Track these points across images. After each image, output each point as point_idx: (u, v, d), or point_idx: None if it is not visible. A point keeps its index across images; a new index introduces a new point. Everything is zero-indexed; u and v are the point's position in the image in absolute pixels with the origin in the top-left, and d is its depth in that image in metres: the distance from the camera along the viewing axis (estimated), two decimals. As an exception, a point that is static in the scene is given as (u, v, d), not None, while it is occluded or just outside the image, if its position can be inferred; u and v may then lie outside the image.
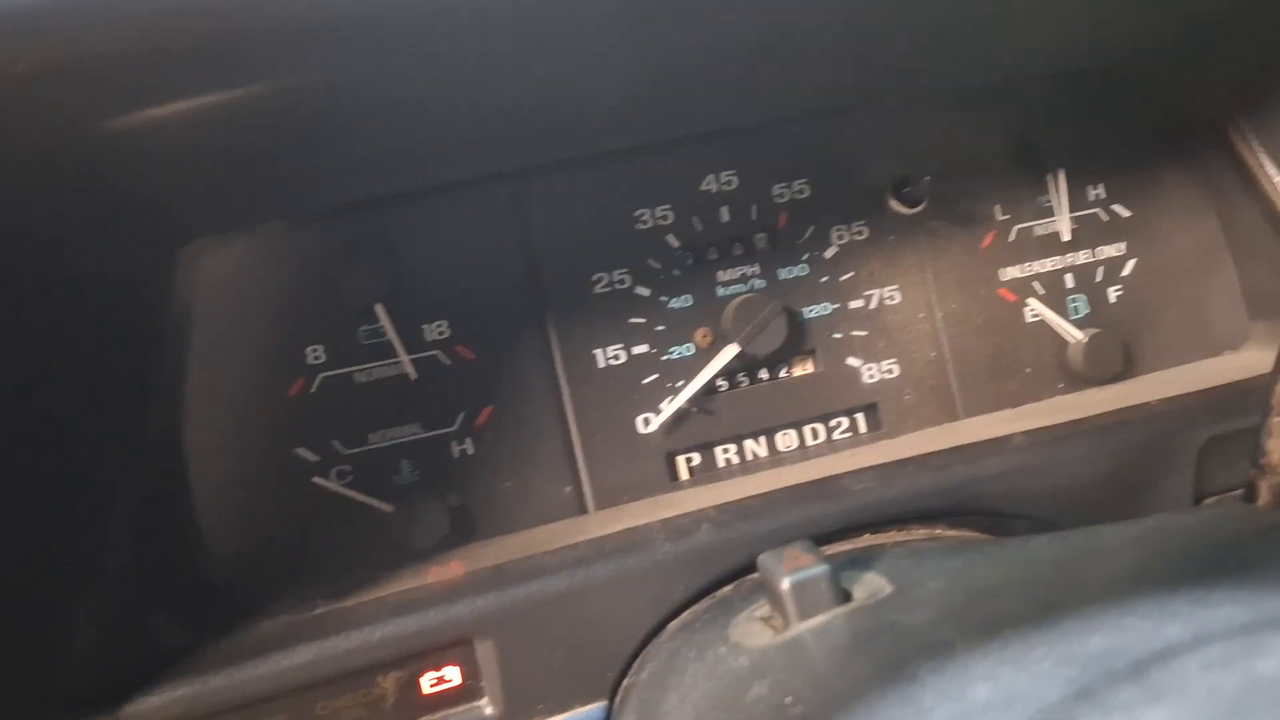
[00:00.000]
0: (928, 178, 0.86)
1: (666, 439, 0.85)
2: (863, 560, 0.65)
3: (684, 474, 0.86)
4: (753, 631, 0.60)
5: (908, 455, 0.78)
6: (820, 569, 0.58)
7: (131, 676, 0.63)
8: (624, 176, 0.85)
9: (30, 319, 0.65)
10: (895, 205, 0.87)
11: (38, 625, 0.62)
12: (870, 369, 0.89)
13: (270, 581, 0.74)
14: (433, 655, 0.67)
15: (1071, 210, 0.92)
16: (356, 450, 0.79)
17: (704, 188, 0.87)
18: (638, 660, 0.69)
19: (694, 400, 0.85)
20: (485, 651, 0.67)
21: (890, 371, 0.89)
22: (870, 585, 0.60)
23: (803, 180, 0.89)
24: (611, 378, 0.84)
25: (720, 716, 0.53)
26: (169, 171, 0.68)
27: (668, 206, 0.86)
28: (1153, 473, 0.77)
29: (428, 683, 0.67)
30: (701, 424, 0.86)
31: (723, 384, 0.87)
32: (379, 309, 0.79)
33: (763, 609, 0.63)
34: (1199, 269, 0.94)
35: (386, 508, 0.78)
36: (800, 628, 0.57)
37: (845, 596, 0.59)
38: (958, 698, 0.41)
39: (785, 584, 0.58)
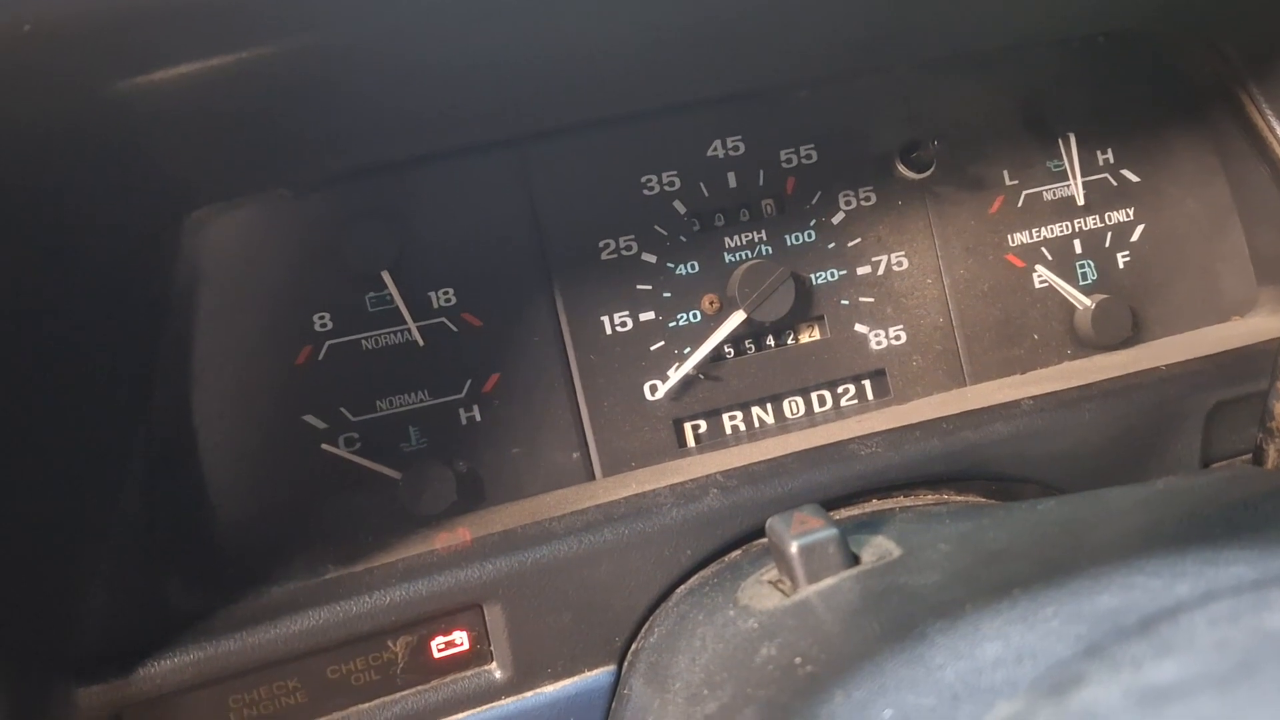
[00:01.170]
0: (936, 141, 0.85)
1: (673, 406, 0.85)
2: (871, 524, 0.65)
3: (691, 441, 0.86)
4: (761, 594, 0.61)
5: (915, 421, 0.78)
6: (829, 532, 0.58)
7: (144, 639, 0.64)
8: (630, 142, 0.85)
9: (38, 283, 0.65)
10: (903, 170, 0.87)
11: (51, 588, 0.63)
12: (878, 335, 0.88)
13: (280, 548, 0.74)
14: (442, 620, 0.67)
15: (1081, 175, 0.91)
16: (364, 417, 0.80)
17: (711, 153, 0.87)
18: (646, 625, 0.70)
19: (701, 367, 0.85)
20: (494, 616, 0.68)
21: (898, 338, 0.89)
22: (879, 548, 0.60)
23: (810, 146, 0.88)
24: (618, 344, 0.84)
25: (730, 677, 0.53)
26: (175, 136, 0.68)
27: (674, 172, 0.86)
28: (1160, 437, 0.77)
29: (437, 647, 0.68)
30: (708, 391, 0.86)
31: (729, 351, 0.87)
32: (386, 276, 0.79)
33: (771, 572, 0.63)
34: (1208, 234, 0.94)
35: (395, 474, 0.78)
36: (809, 590, 0.57)
37: (853, 560, 0.59)
38: (968, 655, 0.41)
39: (794, 547, 0.58)
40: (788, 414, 0.88)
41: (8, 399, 0.61)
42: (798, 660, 0.49)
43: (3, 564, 0.58)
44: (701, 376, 0.86)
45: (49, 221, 0.65)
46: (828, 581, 0.57)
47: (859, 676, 0.43)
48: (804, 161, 0.88)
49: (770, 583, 0.61)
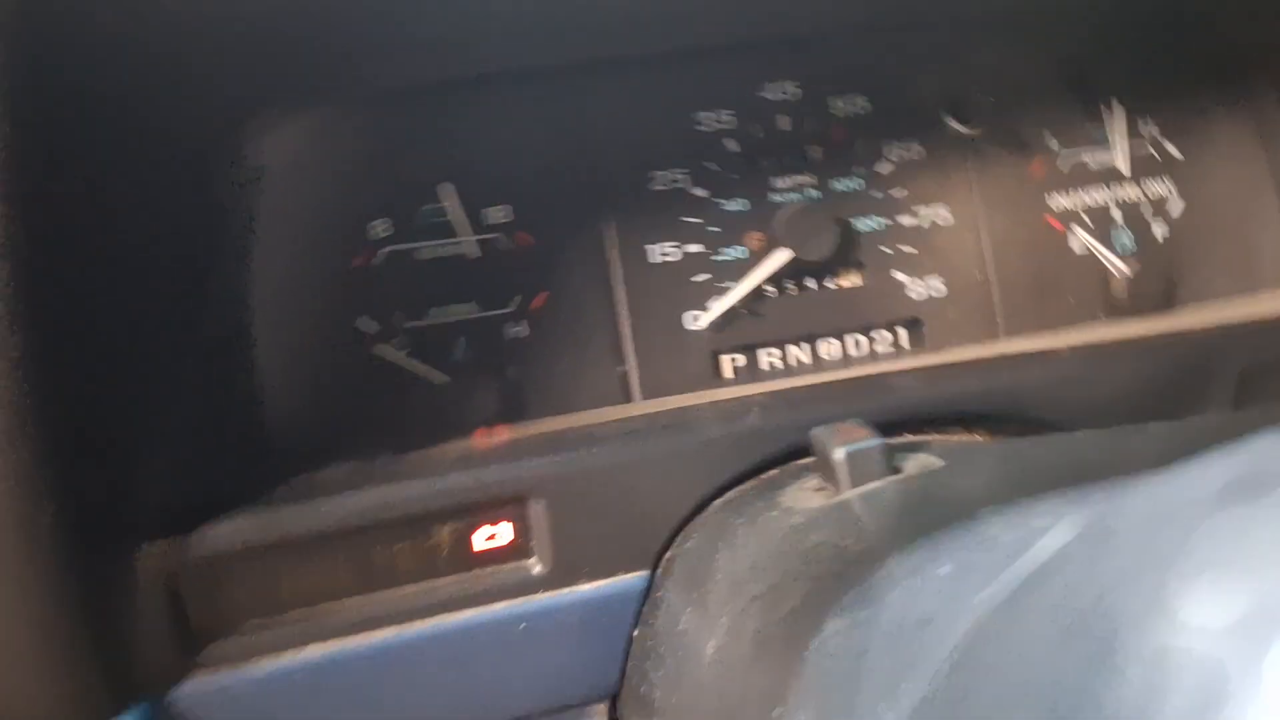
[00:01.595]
0: (986, 94, 0.87)
1: (713, 337, 0.87)
2: (912, 446, 0.67)
3: (728, 373, 0.88)
4: (803, 498, 0.63)
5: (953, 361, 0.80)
6: (875, 441, 0.60)
7: (199, 508, 0.66)
8: (687, 78, 0.87)
9: (111, 180, 0.67)
10: (952, 124, 0.89)
11: (116, 453, 0.64)
12: (916, 285, 0.90)
13: (331, 436, 0.76)
14: (488, 510, 0.69)
15: (1124, 144, 0.93)
16: (415, 324, 0.82)
17: (765, 95, 0.89)
18: (682, 533, 0.72)
19: (742, 302, 0.87)
20: (538, 512, 0.70)
21: (936, 289, 0.91)
22: (921, 462, 0.62)
23: (862, 95, 0.90)
24: (664, 273, 0.86)
25: (776, 563, 0.55)
26: (242, 41, 0.70)
27: (729, 111, 0.88)
28: (1193, 395, 0.79)
29: (481, 538, 0.70)
30: (748, 326, 0.88)
31: (770, 289, 0.89)
32: (445, 188, 0.81)
33: (812, 482, 0.65)
34: (1245, 210, 0.96)
35: (443, 379, 0.80)
36: (853, 492, 0.59)
37: (896, 472, 0.61)
38: (1022, 526, 0.43)
39: (839, 454, 0.60)
40: (823, 355, 0.90)
41: (88, 277, 0.63)
42: (848, 542, 0.51)
43: (75, 426, 0.60)
44: (743, 311, 0.88)
45: (119, 122, 0.67)
46: (872, 485, 0.59)
47: (914, 545, 0.45)
48: (856, 111, 0.90)
49: (812, 489, 0.63)
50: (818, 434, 0.62)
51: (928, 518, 0.49)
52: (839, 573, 0.47)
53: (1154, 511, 0.21)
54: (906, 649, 0.37)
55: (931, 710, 0.22)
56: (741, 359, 0.89)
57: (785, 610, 0.49)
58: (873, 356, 0.90)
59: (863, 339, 0.90)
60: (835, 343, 0.90)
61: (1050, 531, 0.23)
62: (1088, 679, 0.18)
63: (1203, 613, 0.17)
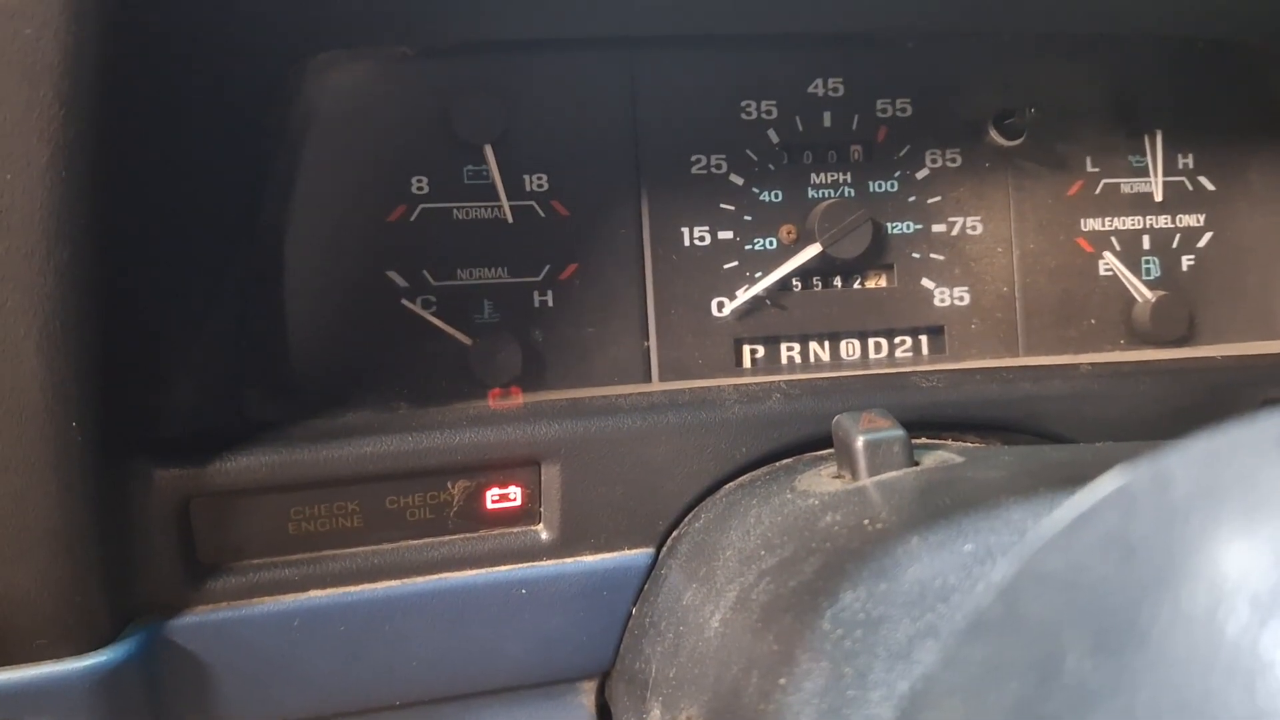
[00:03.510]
0: (1032, 109, 0.88)
1: (737, 325, 0.88)
2: (931, 445, 0.67)
3: (748, 362, 0.88)
4: (820, 482, 0.63)
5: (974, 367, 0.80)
6: (897, 432, 0.61)
7: (219, 439, 0.66)
8: (736, 65, 0.87)
9: (173, 111, 0.68)
10: (995, 136, 0.89)
11: (143, 377, 0.65)
12: (942, 293, 0.91)
13: (354, 383, 0.77)
14: (501, 471, 0.70)
15: (1160, 174, 0.94)
16: (444, 283, 0.82)
17: (811, 90, 0.89)
18: (691, 514, 0.72)
19: (769, 293, 0.87)
20: (550, 476, 0.70)
21: (961, 298, 0.91)
22: (941, 458, 0.62)
23: (906, 99, 0.90)
24: (694, 257, 0.87)
25: (791, 539, 0.55)
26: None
27: (773, 102, 0.88)
28: (1212, 421, 0.79)
29: (491, 498, 0.70)
30: (772, 318, 0.88)
31: (797, 284, 0.89)
32: (488, 150, 0.81)
33: (830, 469, 0.65)
34: (1273, 255, 0.96)
35: (466, 340, 0.80)
36: (871, 480, 0.59)
37: (916, 464, 0.61)
38: (1047, 514, 0.43)
39: (860, 441, 0.60)
40: (844, 355, 0.90)
41: (138, 203, 0.64)
42: (865, 522, 0.51)
43: (110, 346, 0.60)
44: (768, 302, 0.88)
45: (184, 57, 0.68)
46: (891, 474, 0.59)
47: (935, 526, 0.45)
48: (899, 114, 0.90)
49: (829, 476, 0.64)
50: (841, 420, 0.62)
51: (948, 502, 0.49)
52: (856, 549, 0.47)
53: (1212, 456, 0.21)
54: (926, 617, 0.37)
55: (969, 645, 0.22)
56: (762, 350, 0.89)
57: (798, 583, 0.49)
58: (892, 360, 0.90)
59: (884, 342, 0.91)
60: (856, 343, 0.90)
61: (1102, 478, 0.24)
62: (1140, 603, 0.18)
63: (1258, 543, 0.17)
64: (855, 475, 0.60)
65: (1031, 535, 0.23)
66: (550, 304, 0.84)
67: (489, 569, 0.70)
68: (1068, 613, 0.20)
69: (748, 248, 0.87)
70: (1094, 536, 0.22)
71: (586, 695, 0.77)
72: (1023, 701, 0.19)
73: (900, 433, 0.60)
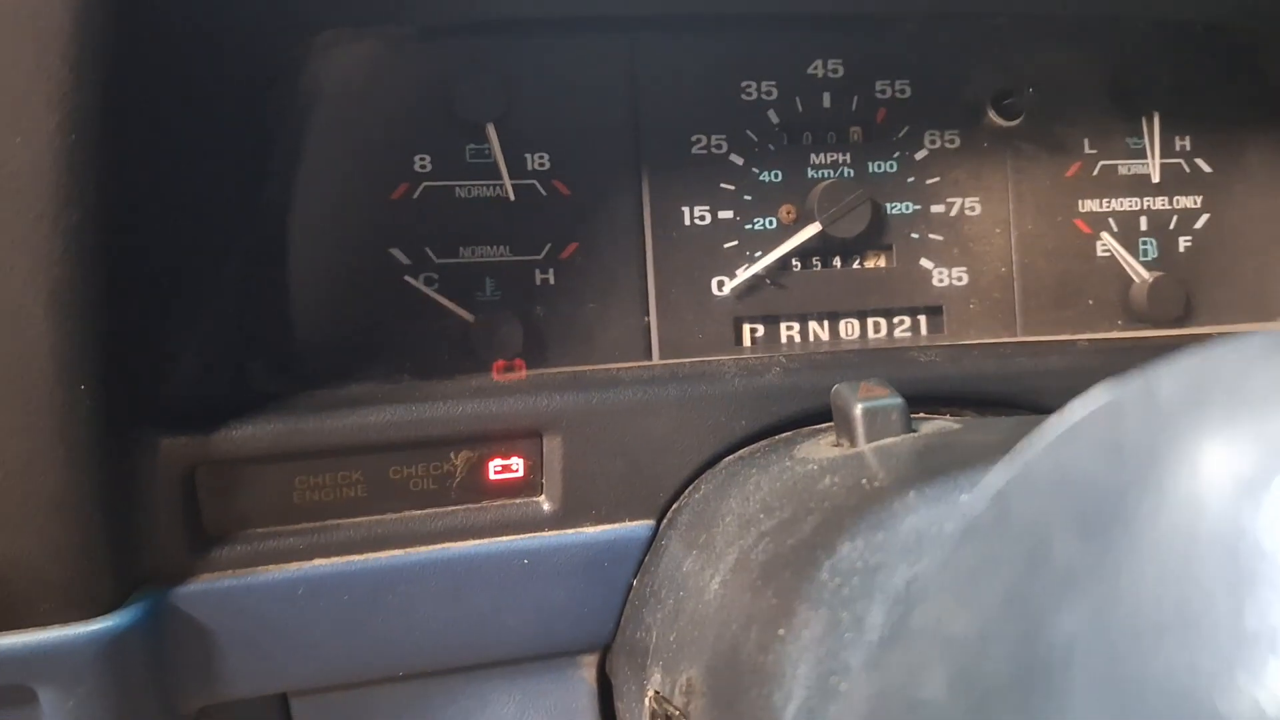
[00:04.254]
0: (1030, 89, 0.88)
1: (737, 304, 0.88)
2: (928, 417, 0.68)
3: (748, 341, 0.89)
4: (820, 450, 0.63)
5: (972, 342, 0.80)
6: (895, 400, 0.61)
7: (224, 408, 0.67)
8: (737, 46, 0.88)
9: (179, 84, 0.68)
10: (994, 116, 0.90)
11: (149, 346, 0.65)
12: (941, 273, 0.91)
13: (357, 355, 0.77)
14: (503, 442, 0.70)
15: (1158, 156, 0.94)
16: (446, 261, 0.83)
17: (810, 71, 0.90)
18: (691, 485, 0.73)
19: (769, 272, 0.88)
20: (552, 448, 0.70)
21: (960, 279, 0.92)
22: (938, 425, 0.63)
23: (905, 81, 0.91)
24: (694, 236, 0.87)
25: (790, 501, 0.56)
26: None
27: (773, 83, 0.89)
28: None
29: (494, 469, 0.71)
30: (772, 297, 0.89)
31: (797, 264, 0.90)
32: (490, 129, 0.82)
33: (829, 438, 0.66)
34: (1269, 237, 0.97)
35: (468, 317, 0.81)
36: (869, 446, 0.60)
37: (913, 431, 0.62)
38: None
39: (858, 409, 0.61)
40: (843, 334, 0.91)
41: (143, 173, 0.65)
42: (863, 481, 0.52)
43: (118, 315, 0.61)
44: (768, 282, 0.89)
45: (189, 34, 0.69)
46: (889, 439, 0.59)
47: (932, 480, 0.46)
48: (898, 95, 0.91)
49: (828, 444, 0.64)
50: (839, 389, 0.63)
51: (945, 461, 0.50)
52: (854, 506, 0.48)
53: (1198, 367, 0.22)
54: (923, 561, 0.37)
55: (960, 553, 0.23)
56: (761, 329, 0.89)
57: (796, 540, 0.50)
58: (890, 340, 0.91)
59: (883, 322, 0.91)
60: (855, 323, 0.91)
61: (1091, 391, 0.24)
62: (1125, 491, 0.19)
63: (1241, 431, 0.18)
64: (854, 442, 0.61)
65: (1022, 446, 0.24)
66: (551, 282, 0.85)
67: (491, 539, 0.70)
68: (1055, 507, 0.21)
69: (748, 227, 0.88)
70: (1083, 441, 0.23)
71: (588, 669, 0.77)
72: (1012, 589, 0.20)
73: (898, 401, 0.61)
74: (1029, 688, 0.18)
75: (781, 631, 0.44)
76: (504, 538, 0.70)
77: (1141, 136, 0.94)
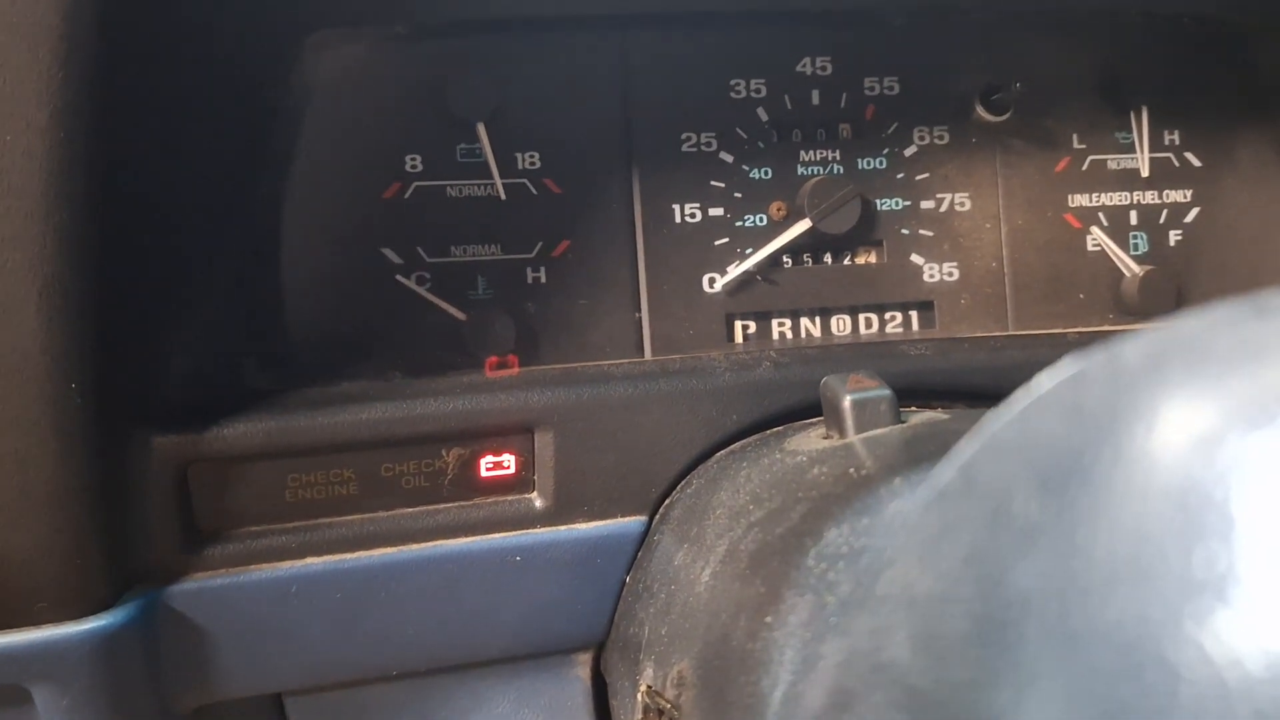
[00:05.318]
0: (1019, 84, 0.89)
1: (728, 301, 0.88)
2: (922, 409, 0.68)
3: (739, 338, 0.89)
4: (809, 442, 0.64)
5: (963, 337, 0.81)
6: (883, 391, 0.61)
7: (217, 406, 0.67)
8: (726, 45, 0.88)
9: (167, 80, 0.69)
10: (982, 112, 0.90)
11: (142, 343, 0.65)
12: (932, 268, 0.92)
13: (349, 354, 0.78)
14: (495, 438, 0.70)
15: (1147, 150, 0.95)
16: (438, 260, 0.83)
17: (800, 69, 0.90)
18: (683, 481, 0.73)
19: (760, 269, 0.88)
20: (544, 444, 0.71)
21: (950, 274, 0.92)
22: (927, 415, 0.63)
23: (894, 77, 0.91)
24: (686, 233, 0.88)
25: (779, 491, 0.56)
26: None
27: (762, 81, 0.89)
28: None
29: (485, 466, 0.71)
30: (763, 293, 0.89)
31: (788, 260, 0.90)
32: (481, 129, 0.82)
33: (819, 431, 0.66)
34: (1258, 230, 0.97)
35: (461, 315, 0.81)
36: (858, 437, 0.60)
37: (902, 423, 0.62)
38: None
39: (847, 400, 0.61)
40: (834, 330, 0.91)
41: (135, 171, 0.65)
42: (851, 470, 0.52)
43: (110, 313, 0.61)
44: (759, 278, 0.89)
45: (182, 32, 0.69)
46: (878, 430, 0.60)
47: (919, 467, 0.46)
48: (886, 91, 0.91)
49: (818, 436, 0.64)
50: (829, 381, 0.63)
51: (933, 449, 0.50)
52: (841, 494, 0.48)
53: (1160, 336, 0.22)
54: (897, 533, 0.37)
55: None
56: (753, 325, 0.90)
57: (784, 529, 0.50)
58: (882, 336, 0.91)
59: (874, 317, 0.92)
60: (847, 318, 0.91)
61: (1057, 364, 0.24)
62: (1083, 449, 0.19)
63: (1197, 390, 0.18)
64: (843, 434, 0.61)
65: (989, 417, 0.24)
66: (543, 280, 0.85)
67: (483, 536, 0.70)
68: (1017, 469, 0.21)
69: (738, 224, 0.88)
70: (1047, 407, 0.23)
71: (582, 667, 0.77)
72: (974, 549, 0.20)
73: (887, 392, 0.61)
74: (985, 642, 0.19)
75: (769, 619, 0.44)
76: (496, 535, 0.71)
77: (1131, 131, 0.95)
